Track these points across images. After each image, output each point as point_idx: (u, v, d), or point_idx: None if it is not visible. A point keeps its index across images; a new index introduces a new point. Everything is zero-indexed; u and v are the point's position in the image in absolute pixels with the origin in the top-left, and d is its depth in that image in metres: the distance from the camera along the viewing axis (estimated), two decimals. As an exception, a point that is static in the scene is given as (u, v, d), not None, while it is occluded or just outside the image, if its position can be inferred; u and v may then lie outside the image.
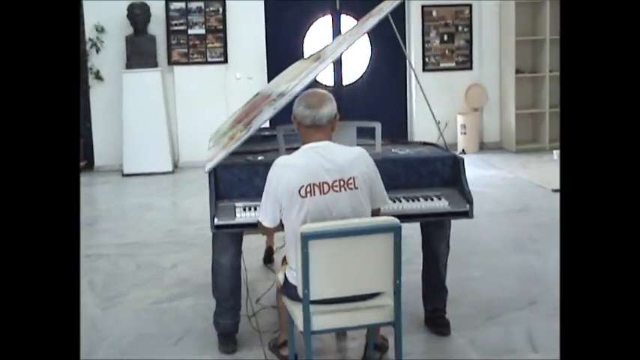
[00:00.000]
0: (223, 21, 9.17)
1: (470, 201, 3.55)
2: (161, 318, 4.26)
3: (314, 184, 2.96)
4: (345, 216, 2.96)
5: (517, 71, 9.53)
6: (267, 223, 3.13)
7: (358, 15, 9.57)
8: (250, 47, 9.36)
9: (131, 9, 8.66)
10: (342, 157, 3.02)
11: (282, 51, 9.58)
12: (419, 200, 3.57)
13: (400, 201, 3.56)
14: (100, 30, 8.92)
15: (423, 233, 3.88)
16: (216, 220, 3.44)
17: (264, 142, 4.18)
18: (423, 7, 9.60)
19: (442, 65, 9.76)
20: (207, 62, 9.17)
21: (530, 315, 4.11)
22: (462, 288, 4.57)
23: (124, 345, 3.91)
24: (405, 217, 3.58)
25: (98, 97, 9.07)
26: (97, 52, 8.97)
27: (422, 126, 9.83)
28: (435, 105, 9.33)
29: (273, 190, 3.05)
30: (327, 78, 9.80)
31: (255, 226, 3.36)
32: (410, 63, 8.77)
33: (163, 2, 8.95)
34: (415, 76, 4.70)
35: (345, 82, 9.88)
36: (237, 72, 9.29)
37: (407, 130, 10.06)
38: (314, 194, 2.95)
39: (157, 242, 5.94)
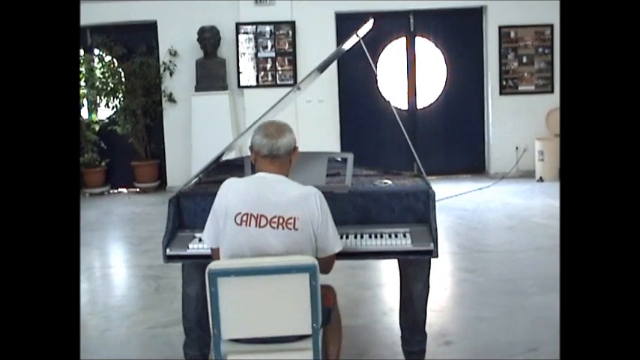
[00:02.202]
0: (293, 44, 9.19)
1: (434, 239, 3.30)
2: (149, 344, 4.26)
3: (251, 215, 2.82)
4: (277, 255, 2.80)
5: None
6: (209, 243, 3.01)
7: (433, 37, 9.38)
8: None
9: (201, 33, 8.86)
10: (288, 194, 2.86)
11: (355, 74, 9.50)
12: (381, 237, 3.36)
13: (362, 237, 3.36)
14: (174, 54, 9.19)
15: (400, 271, 3.66)
16: (168, 250, 3.38)
17: (231, 171, 4.07)
18: (500, 27, 9.23)
19: (521, 88, 9.33)
20: (276, 85, 9.22)
21: (526, 363, 3.79)
22: (465, 328, 4.30)
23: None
24: (365, 255, 3.42)
25: (171, 120, 9.32)
26: (171, 75, 9.23)
27: (499, 152, 9.44)
28: (512, 130, 9.07)
29: (215, 209, 2.94)
30: (400, 101, 9.60)
31: (209, 257, 3.27)
32: (487, 85, 8.46)
33: (234, 26, 9.08)
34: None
35: (419, 106, 9.64)
36: (307, 95, 9.26)
37: (484, 156, 9.68)
38: (249, 224, 2.82)
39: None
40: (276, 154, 2.90)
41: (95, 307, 4.98)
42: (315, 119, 9.32)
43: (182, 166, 9.18)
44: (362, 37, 3.88)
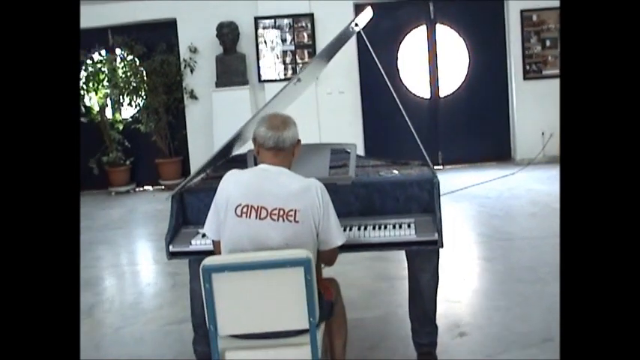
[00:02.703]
0: (312, 36, 9.14)
1: (439, 229, 3.24)
2: (162, 341, 4.27)
3: (251, 206, 2.79)
4: (277, 248, 2.77)
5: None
6: (210, 236, 2.98)
7: (454, 24, 9.26)
8: (341, 61, 9.24)
9: (220, 29, 8.86)
10: (289, 186, 2.82)
11: (376, 64, 9.40)
12: (385, 228, 3.31)
13: (365, 228, 3.32)
14: (194, 51, 9.21)
15: (408, 262, 3.60)
16: (170, 247, 3.38)
17: (239, 167, 4.05)
18: (522, 11, 9.06)
19: (545, 72, 9.15)
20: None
21: (540, 353, 3.70)
22: (480, 319, 4.23)
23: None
24: (369, 247, 3.38)
25: (193, 116, 9.35)
26: (192, 72, 9.26)
27: (525, 138, 9.29)
28: (538, 115, 8.91)
29: (216, 201, 2.91)
30: (422, 89, 9.50)
31: (213, 253, 3.25)
32: (510, 71, 8.32)
33: (253, 20, 9.07)
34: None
35: (442, 94, 9.53)
36: (327, 87, 9.23)
37: (510, 143, 9.53)
38: (249, 216, 2.78)
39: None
40: (282, 146, 2.88)
41: (112, 305, 5.01)
42: (336, 111, 9.27)
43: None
44: (362, 28, 3.74)
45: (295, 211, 2.76)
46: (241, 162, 3.85)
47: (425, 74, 9.50)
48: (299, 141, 2.97)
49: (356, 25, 3.71)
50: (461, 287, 4.87)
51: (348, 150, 3.61)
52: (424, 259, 3.52)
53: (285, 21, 9.09)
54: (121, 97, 9.35)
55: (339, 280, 5.00)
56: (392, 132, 9.46)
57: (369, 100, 9.47)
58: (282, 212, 2.76)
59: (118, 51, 9.47)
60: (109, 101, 9.51)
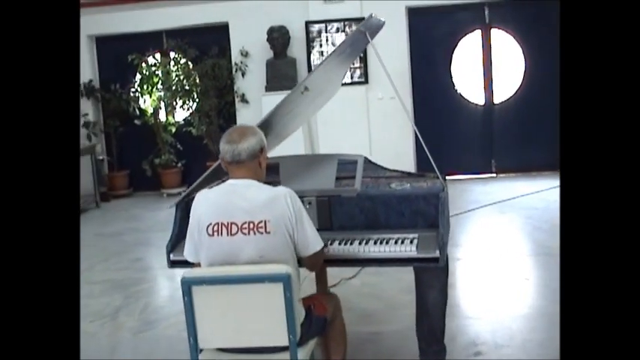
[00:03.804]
0: (363, 41, 9.03)
1: (441, 246, 3.12)
2: (175, 347, 4.25)
3: (222, 224, 2.77)
4: (251, 261, 2.73)
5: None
6: (190, 259, 2.95)
7: (509, 28, 9.02)
8: (392, 67, 9.11)
9: (270, 33, 8.87)
10: (257, 198, 2.78)
11: (428, 69, 9.27)
12: (387, 243, 3.21)
13: (367, 243, 3.23)
14: (245, 54, 9.25)
15: (415, 278, 3.50)
16: (171, 255, 3.37)
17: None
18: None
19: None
20: (348, 83, 9.10)
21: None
22: (500, 339, 4.07)
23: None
24: (368, 262, 3.29)
25: (243, 120, 9.36)
26: (243, 76, 9.30)
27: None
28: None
29: (190, 223, 2.90)
30: (477, 96, 9.29)
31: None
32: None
33: (304, 24, 9.04)
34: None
35: (496, 100, 9.29)
36: (378, 92, 9.12)
37: (566, 152, 9.20)
38: (221, 234, 2.76)
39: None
40: (238, 159, 2.83)
41: (138, 308, 5.05)
42: (386, 117, 9.14)
43: (254, 165, 9.22)
44: (369, 32, 3.64)
45: (265, 222, 2.71)
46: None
47: (479, 80, 9.28)
48: (263, 149, 2.89)
49: (360, 31, 3.57)
50: (484, 303, 4.72)
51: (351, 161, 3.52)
52: (432, 276, 3.41)
53: (336, 25, 9.02)
54: (174, 100, 9.48)
55: (366, 291, 4.97)
56: (444, 139, 9.29)
57: (421, 106, 9.31)
58: (252, 225, 2.72)
59: (171, 54, 9.59)
60: (162, 104, 9.64)
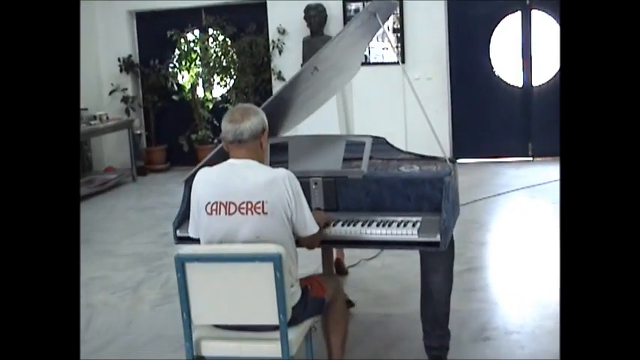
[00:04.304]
0: (401, 20, 8.96)
1: (442, 231, 3.10)
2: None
3: (220, 203, 2.80)
4: (248, 242, 2.77)
5: None
6: (193, 235, 3.00)
7: (550, 10, 8.82)
8: (430, 47, 9.04)
9: (307, 11, 8.83)
10: (256, 179, 2.81)
11: (467, 50, 9.14)
12: (389, 226, 3.20)
13: (370, 225, 3.23)
14: (282, 32, 9.25)
15: (421, 261, 3.48)
16: (178, 231, 3.42)
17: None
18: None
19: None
20: (384, 63, 9.04)
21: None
22: (511, 325, 4.04)
23: (137, 344, 4.08)
24: (369, 244, 3.29)
25: (280, 97, 9.41)
26: (280, 53, 9.30)
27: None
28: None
29: (192, 202, 2.96)
30: (515, 78, 9.13)
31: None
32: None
33: (341, 2, 8.99)
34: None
35: (535, 83, 9.11)
36: (415, 72, 9.04)
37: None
38: (219, 213, 2.80)
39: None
40: (240, 138, 2.85)
41: (159, 282, 5.15)
42: (423, 97, 9.01)
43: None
44: (380, 14, 3.59)
45: (263, 202, 2.74)
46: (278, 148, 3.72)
47: (518, 62, 9.11)
48: (265, 130, 2.91)
49: (374, 14, 3.53)
50: (501, 289, 4.69)
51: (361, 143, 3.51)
52: (437, 260, 3.40)
53: (373, 4, 8.93)
54: (211, 76, 9.55)
55: (384, 273, 4.97)
56: (481, 120, 9.18)
57: (458, 88, 9.20)
58: (249, 205, 2.75)
59: (210, 31, 9.65)
60: (200, 80, 9.72)
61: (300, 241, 3.00)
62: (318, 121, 8.44)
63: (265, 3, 9.37)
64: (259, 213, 2.76)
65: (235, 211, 2.78)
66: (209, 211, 2.82)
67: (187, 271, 2.68)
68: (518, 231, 6.05)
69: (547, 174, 8.01)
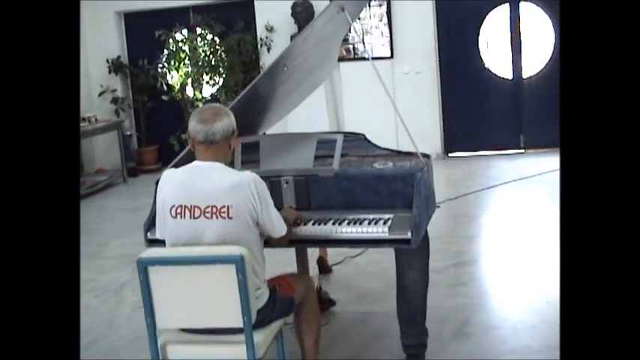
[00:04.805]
0: (388, 14, 8.92)
1: (413, 228, 3.05)
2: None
3: (185, 206, 2.76)
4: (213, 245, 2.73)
5: None
6: (160, 237, 2.96)
7: (539, 1, 8.76)
8: (418, 41, 8.99)
9: (294, 7, 8.78)
10: (221, 182, 2.76)
11: (456, 44, 9.08)
12: (360, 224, 3.16)
13: (340, 224, 3.19)
14: (270, 29, 9.21)
15: (396, 258, 3.44)
16: (149, 234, 3.37)
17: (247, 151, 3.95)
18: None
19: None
20: (373, 58, 8.98)
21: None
22: (494, 320, 4.00)
23: (117, 346, 4.05)
24: (339, 242, 3.25)
25: (269, 95, 9.37)
26: (268, 51, 9.26)
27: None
28: None
29: (157, 203, 2.92)
30: (504, 69, 9.07)
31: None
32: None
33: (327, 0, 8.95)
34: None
35: (525, 75, 9.06)
36: (404, 66, 9.00)
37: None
38: (184, 217, 2.76)
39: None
40: (212, 139, 2.79)
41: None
42: (413, 92, 9.02)
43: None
44: (348, 12, 3.54)
45: (228, 207, 2.69)
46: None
47: (508, 54, 9.06)
48: (234, 132, 2.87)
49: (342, 10, 3.48)
50: (488, 284, 4.65)
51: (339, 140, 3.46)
52: (412, 256, 3.36)
53: (361, -1, 8.89)
54: (200, 75, 9.50)
55: (369, 270, 4.93)
56: (472, 114, 9.13)
57: (448, 81, 9.15)
58: (214, 209, 2.70)
59: (198, 30, 9.60)
60: (189, 80, 9.67)
61: (268, 241, 2.96)
62: (308, 116, 8.45)
63: (252, 1, 9.33)
64: (224, 217, 2.72)
65: (200, 215, 2.74)
66: (174, 214, 2.78)
67: (150, 275, 2.64)
68: (508, 224, 6.01)
69: (539, 166, 7.97)
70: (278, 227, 2.88)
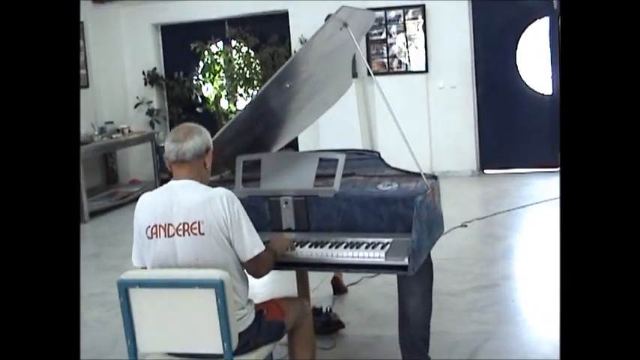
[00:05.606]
0: (424, 28, 8.78)
1: (410, 254, 2.92)
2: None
3: (160, 225, 2.71)
4: (188, 264, 2.67)
5: None
6: (136, 264, 2.90)
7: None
8: (453, 55, 8.83)
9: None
10: (192, 199, 2.71)
11: (493, 58, 8.90)
12: (358, 248, 3.05)
13: (337, 247, 3.08)
14: (304, 42, 9.14)
15: (398, 283, 3.33)
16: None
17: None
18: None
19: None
20: (407, 72, 8.88)
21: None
22: (501, 347, 3.83)
23: None
24: (335, 267, 3.15)
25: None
26: (302, 64, 9.20)
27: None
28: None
29: (134, 227, 2.87)
30: (542, 85, 8.85)
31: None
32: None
33: (363, 12, 8.85)
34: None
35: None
36: (439, 81, 8.86)
37: None
38: (159, 236, 2.71)
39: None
40: (182, 158, 2.75)
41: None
42: (448, 106, 8.86)
43: (311, 155, 9.15)
44: (351, 25, 3.44)
45: (199, 223, 2.64)
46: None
47: (547, 69, 8.83)
48: (209, 149, 2.80)
49: (345, 25, 3.39)
50: (504, 310, 4.47)
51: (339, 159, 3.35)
52: (413, 282, 3.24)
53: (395, 13, 8.79)
54: (235, 88, 9.51)
55: (384, 290, 4.80)
56: (509, 130, 8.93)
57: (484, 96, 8.97)
58: (186, 226, 2.65)
59: (233, 43, 9.62)
60: (224, 92, 9.69)
61: (245, 268, 2.85)
62: (341, 134, 8.38)
63: (287, 13, 9.30)
64: (196, 234, 2.67)
65: (174, 233, 2.70)
66: (149, 234, 2.74)
67: (131, 296, 2.58)
68: (536, 246, 5.81)
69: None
70: (251, 245, 2.74)
